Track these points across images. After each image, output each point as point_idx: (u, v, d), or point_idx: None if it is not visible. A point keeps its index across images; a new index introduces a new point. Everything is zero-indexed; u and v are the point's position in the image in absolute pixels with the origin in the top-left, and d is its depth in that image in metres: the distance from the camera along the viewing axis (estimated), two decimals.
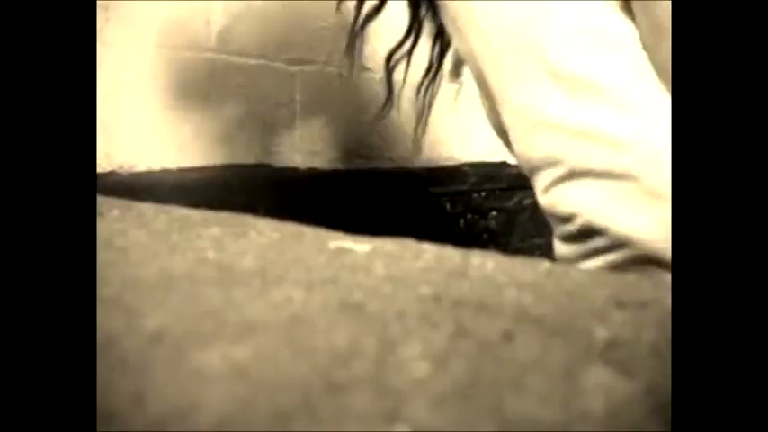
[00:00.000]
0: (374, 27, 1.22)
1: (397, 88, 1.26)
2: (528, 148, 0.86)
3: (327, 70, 1.90)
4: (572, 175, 0.83)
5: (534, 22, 0.83)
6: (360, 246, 0.64)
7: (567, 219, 0.85)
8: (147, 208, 0.79)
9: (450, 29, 0.98)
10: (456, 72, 1.18)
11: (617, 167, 0.81)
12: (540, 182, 0.87)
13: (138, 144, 1.65)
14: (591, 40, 0.83)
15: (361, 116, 1.96)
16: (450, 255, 0.63)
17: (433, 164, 2.06)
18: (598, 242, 0.84)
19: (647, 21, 0.87)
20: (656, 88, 0.85)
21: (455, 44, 1.01)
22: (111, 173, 1.61)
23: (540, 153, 0.84)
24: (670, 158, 0.80)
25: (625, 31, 0.86)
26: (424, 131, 1.17)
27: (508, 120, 0.88)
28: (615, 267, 0.83)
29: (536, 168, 0.86)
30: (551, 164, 0.84)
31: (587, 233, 0.84)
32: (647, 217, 0.81)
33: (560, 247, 0.89)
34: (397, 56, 1.20)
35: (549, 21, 0.83)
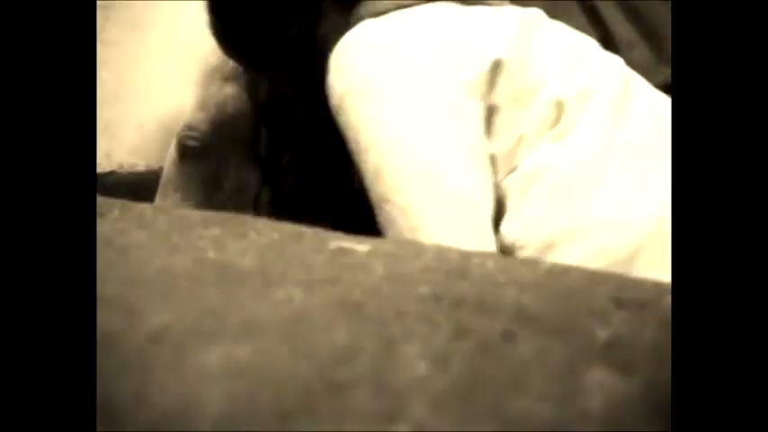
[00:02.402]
0: None
1: None
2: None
3: None
4: None
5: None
6: (360, 246, 0.64)
7: None
8: (147, 208, 0.79)
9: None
10: None
11: None
12: None
13: (138, 144, 1.65)
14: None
15: None
16: (450, 255, 0.63)
17: None
18: None
19: None
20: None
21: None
22: (111, 173, 1.61)
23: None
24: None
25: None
26: None
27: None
28: None
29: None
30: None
31: None
32: None
33: None
34: None
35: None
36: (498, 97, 0.96)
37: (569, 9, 1.31)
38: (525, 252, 0.94)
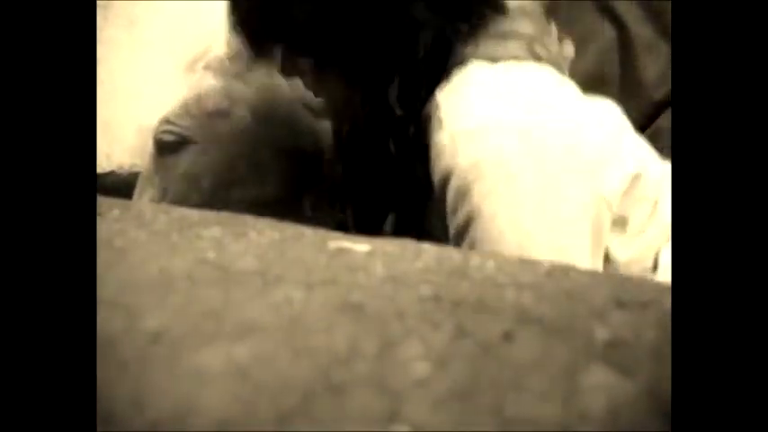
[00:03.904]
0: None
1: None
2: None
3: None
4: None
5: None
6: (359, 246, 0.64)
7: None
8: (147, 208, 0.79)
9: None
10: None
11: None
12: None
13: (137, 145, 1.65)
14: None
15: None
16: (451, 255, 0.63)
17: None
18: None
19: None
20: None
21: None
22: (111, 173, 1.61)
23: None
24: None
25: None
26: None
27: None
28: None
29: None
30: None
31: None
32: None
33: None
34: None
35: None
36: (628, 208, 0.96)
37: (585, 8, 1.30)
38: None
